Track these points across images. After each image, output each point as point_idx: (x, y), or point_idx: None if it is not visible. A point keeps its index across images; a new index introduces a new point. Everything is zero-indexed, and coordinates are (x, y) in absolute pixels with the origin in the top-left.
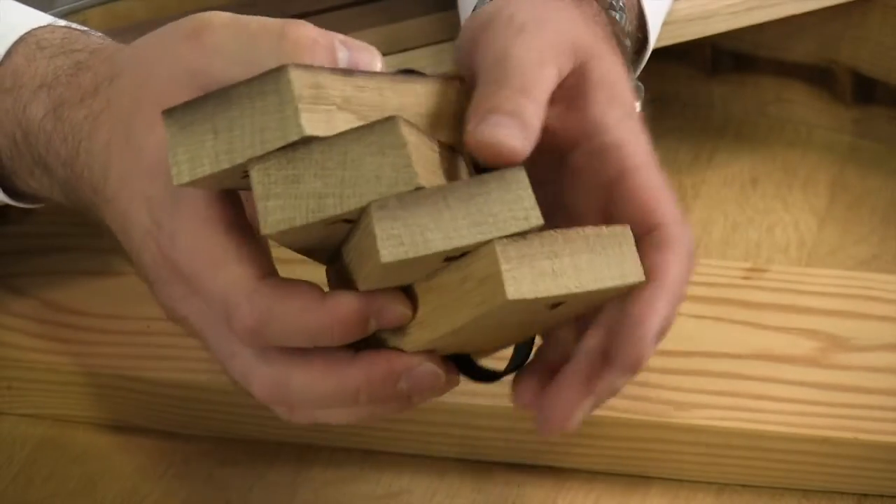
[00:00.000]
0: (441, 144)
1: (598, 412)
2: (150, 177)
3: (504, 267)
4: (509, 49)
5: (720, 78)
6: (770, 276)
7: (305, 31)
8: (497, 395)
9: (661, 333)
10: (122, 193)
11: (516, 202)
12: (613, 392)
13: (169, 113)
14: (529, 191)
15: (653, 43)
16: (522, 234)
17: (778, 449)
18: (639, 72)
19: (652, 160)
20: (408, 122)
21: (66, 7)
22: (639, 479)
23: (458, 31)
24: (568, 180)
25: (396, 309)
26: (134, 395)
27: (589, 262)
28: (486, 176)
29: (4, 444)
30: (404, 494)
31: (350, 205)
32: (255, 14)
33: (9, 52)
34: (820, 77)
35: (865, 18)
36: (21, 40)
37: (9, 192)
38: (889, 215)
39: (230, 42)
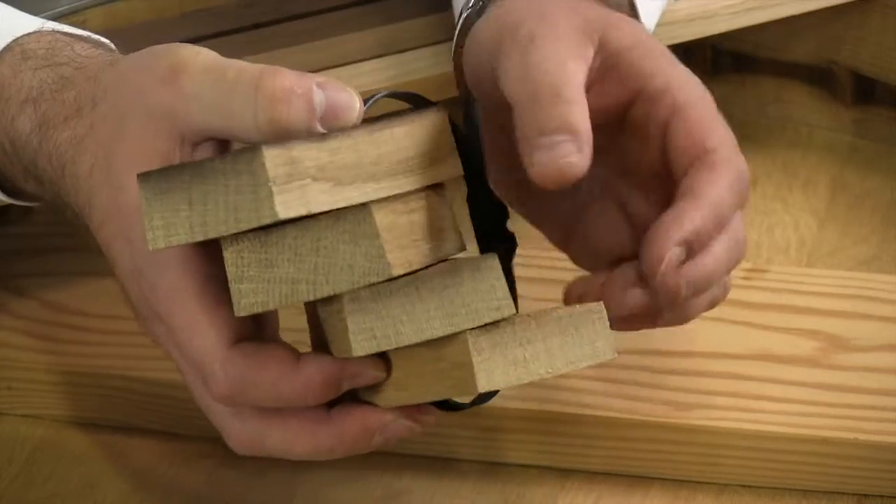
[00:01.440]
0: (419, 192)
1: (599, 412)
2: (129, 218)
3: (476, 359)
4: (529, 59)
5: (720, 78)
6: (770, 277)
7: (281, 82)
8: (497, 395)
9: (692, 245)
10: (105, 228)
11: (489, 292)
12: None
13: (145, 177)
14: (503, 280)
15: None
16: (495, 323)
17: (778, 449)
18: None
19: (703, 96)
20: (380, 202)
21: (66, 7)
22: (639, 479)
23: (454, 31)
24: (627, 138)
25: (370, 374)
26: (134, 395)
27: (561, 345)
28: (459, 264)
29: (4, 444)
30: (404, 494)
31: (323, 292)
32: (254, 14)
33: None
34: (820, 77)
35: (865, 18)
36: (7, 49)
37: (8, 192)
38: (889, 215)
39: (207, 91)
